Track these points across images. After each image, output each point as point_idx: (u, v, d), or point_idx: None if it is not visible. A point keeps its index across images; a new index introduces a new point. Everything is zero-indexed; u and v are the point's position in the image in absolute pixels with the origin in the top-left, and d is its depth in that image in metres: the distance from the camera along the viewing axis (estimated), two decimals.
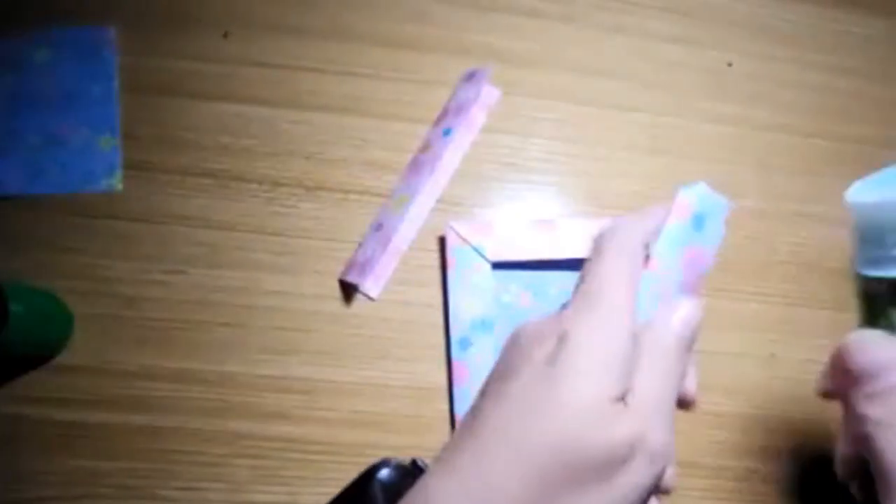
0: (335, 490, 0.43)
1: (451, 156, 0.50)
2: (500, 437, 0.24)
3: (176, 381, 0.44)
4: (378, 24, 0.53)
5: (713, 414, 0.46)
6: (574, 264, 0.48)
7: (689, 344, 0.32)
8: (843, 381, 0.35)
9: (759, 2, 0.58)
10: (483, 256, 0.46)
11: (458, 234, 0.46)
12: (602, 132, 0.52)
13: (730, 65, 0.55)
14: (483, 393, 0.26)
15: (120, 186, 0.47)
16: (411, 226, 0.48)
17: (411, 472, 0.34)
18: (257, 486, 0.43)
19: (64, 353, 0.44)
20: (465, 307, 0.45)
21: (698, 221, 0.30)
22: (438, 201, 0.49)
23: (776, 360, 0.49)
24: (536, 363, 0.25)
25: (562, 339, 0.25)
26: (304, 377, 0.45)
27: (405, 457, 0.39)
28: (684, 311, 0.32)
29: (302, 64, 0.51)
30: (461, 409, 0.44)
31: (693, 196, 0.29)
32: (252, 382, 0.44)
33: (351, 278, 0.45)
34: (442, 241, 0.47)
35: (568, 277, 0.48)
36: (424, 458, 0.39)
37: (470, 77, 0.50)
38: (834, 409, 0.49)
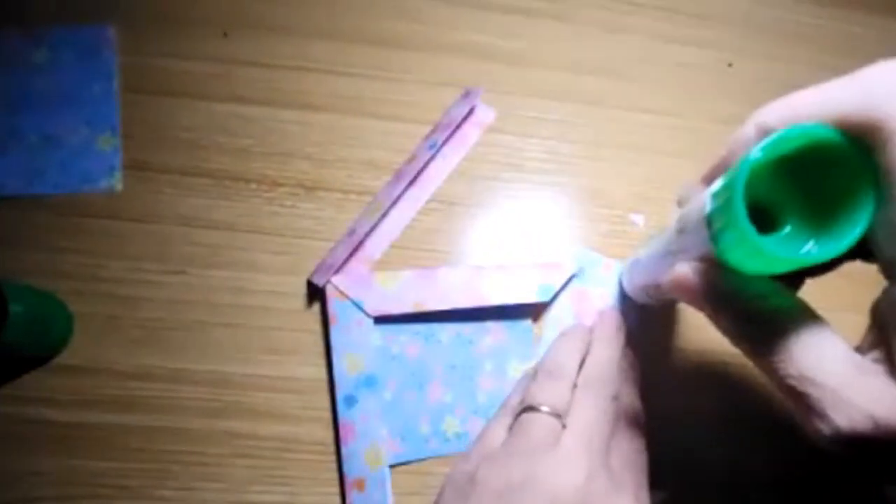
0: (334, 490, 0.43)
1: (437, 170, 0.50)
2: None
3: (175, 382, 0.44)
4: (379, 24, 0.53)
5: (714, 413, 0.46)
6: (460, 315, 0.46)
7: (606, 378, 0.38)
8: None
9: (759, 2, 0.58)
10: (363, 311, 0.44)
11: (336, 288, 0.45)
12: (602, 132, 0.52)
13: (730, 65, 0.55)
14: None
15: (120, 186, 0.47)
16: (385, 236, 0.48)
17: None
18: (256, 486, 0.43)
19: (63, 353, 0.44)
20: (348, 364, 0.43)
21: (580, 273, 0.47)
22: (438, 201, 0.49)
23: None
24: None
25: None
26: (303, 377, 0.45)
27: None
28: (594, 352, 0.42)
29: (301, 64, 0.51)
30: (350, 470, 0.42)
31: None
32: (251, 382, 0.44)
33: (315, 279, 0.45)
34: (322, 300, 0.45)
35: (459, 327, 0.46)
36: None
37: (465, 95, 0.50)
38: None
